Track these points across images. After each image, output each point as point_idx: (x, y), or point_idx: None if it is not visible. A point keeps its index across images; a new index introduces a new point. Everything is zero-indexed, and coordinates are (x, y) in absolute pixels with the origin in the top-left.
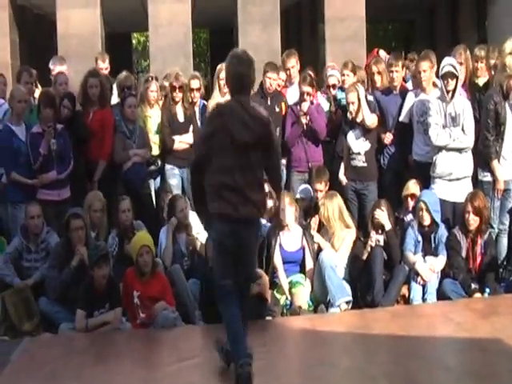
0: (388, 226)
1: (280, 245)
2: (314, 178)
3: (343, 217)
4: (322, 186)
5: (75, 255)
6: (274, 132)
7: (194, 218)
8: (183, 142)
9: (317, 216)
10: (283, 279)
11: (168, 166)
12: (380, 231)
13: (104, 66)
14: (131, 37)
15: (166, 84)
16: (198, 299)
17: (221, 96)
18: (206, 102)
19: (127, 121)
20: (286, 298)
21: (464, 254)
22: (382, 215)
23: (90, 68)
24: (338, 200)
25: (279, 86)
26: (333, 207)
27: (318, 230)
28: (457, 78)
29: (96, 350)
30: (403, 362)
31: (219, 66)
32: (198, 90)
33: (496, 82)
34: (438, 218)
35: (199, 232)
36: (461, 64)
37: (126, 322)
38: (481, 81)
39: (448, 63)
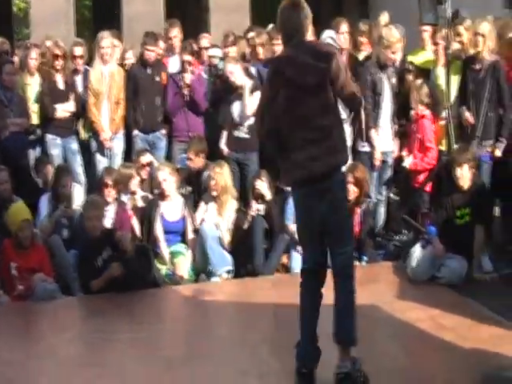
0: (268, 196)
1: (161, 215)
2: (188, 147)
3: (231, 186)
4: (193, 155)
5: None
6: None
7: (76, 190)
8: (65, 110)
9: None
10: (164, 249)
11: (49, 136)
12: (261, 201)
13: None
14: (11, 3)
15: (47, 51)
16: (77, 270)
17: (102, 64)
18: (88, 68)
19: (5, 88)
20: (168, 268)
21: None
22: (263, 185)
23: None
24: (228, 169)
25: (159, 55)
26: (225, 177)
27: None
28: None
29: None
30: (283, 330)
31: (100, 34)
32: (82, 57)
33: (374, 54)
34: None
35: (80, 204)
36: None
37: (3, 295)
38: (362, 55)
39: (328, 36)
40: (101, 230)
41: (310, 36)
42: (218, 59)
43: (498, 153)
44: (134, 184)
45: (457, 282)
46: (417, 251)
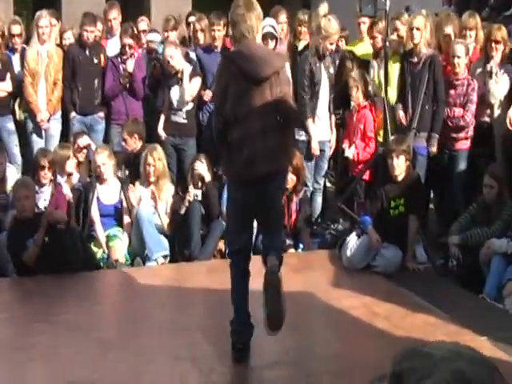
0: (208, 178)
1: (97, 198)
2: (122, 129)
3: (167, 171)
4: (127, 136)
5: None
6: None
7: (11, 171)
8: (1, 89)
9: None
10: (100, 232)
11: None
12: (200, 184)
13: None
14: None
15: None
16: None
17: (40, 44)
18: (26, 46)
19: None
20: (103, 252)
21: None
22: (202, 167)
23: None
24: (162, 153)
25: (97, 37)
26: (162, 162)
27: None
28: (276, 38)
29: None
30: (217, 315)
31: (38, 13)
32: (19, 35)
33: (312, 44)
34: None
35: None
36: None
37: None
38: (302, 44)
39: (268, 24)
40: (32, 211)
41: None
42: (157, 44)
43: (434, 149)
44: (71, 165)
45: (391, 271)
46: (352, 240)
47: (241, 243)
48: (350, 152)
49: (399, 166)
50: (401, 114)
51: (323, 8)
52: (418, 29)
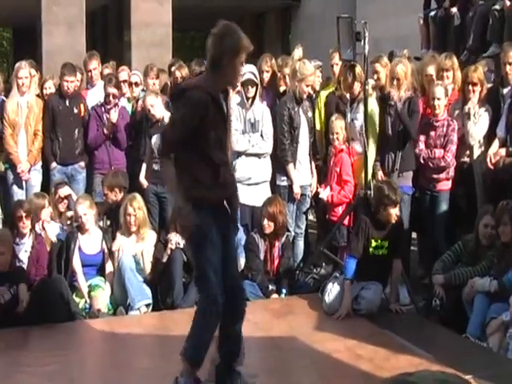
0: None
1: (79, 248)
2: (102, 183)
3: (147, 219)
4: (107, 191)
5: None
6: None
7: None
8: None
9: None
10: (82, 282)
11: None
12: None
13: None
14: None
15: None
16: None
17: (19, 95)
18: (4, 99)
19: None
20: (85, 302)
21: (262, 256)
22: None
23: None
24: (142, 201)
25: (76, 87)
26: (142, 210)
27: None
28: (257, 85)
29: None
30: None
31: (17, 65)
32: None
33: (289, 89)
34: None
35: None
36: (267, 72)
37: None
38: (282, 89)
39: (248, 71)
40: (6, 265)
41: (235, 66)
42: (138, 91)
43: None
44: (46, 214)
45: (375, 311)
46: (330, 285)
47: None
48: (324, 194)
49: (395, 214)
50: (379, 174)
51: (298, 52)
52: (398, 79)
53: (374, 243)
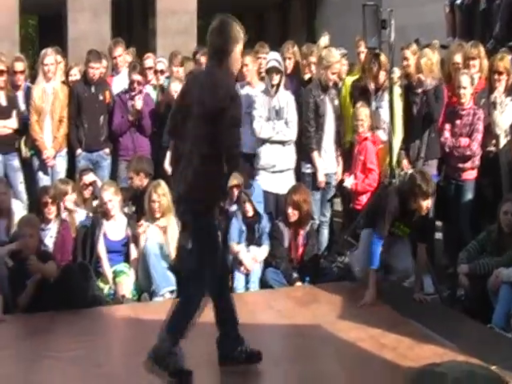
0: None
1: (104, 234)
2: (127, 167)
3: (171, 205)
4: (132, 174)
5: None
6: (231, 107)
7: (16, 205)
8: (7, 127)
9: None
10: (107, 268)
11: None
12: None
13: None
14: None
15: None
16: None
17: (45, 81)
18: (30, 85)
19: None
20: (110, 288)
21: (286, 244)
22: None
23: None
24: (166, 188)
25: (102, 74)
26: (166, 197)
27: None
28: (281, 72)
29: None
30: None
31: (43, 51)
32: (22, 72)
33: (315, 77)
34: (260, 209)
35: None
36: (289, 59)
37: None
38: (307, 77)
39: (273, 58)
40: (34, 249)
41: (237, 55)
42: (163, 78)
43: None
44: (69, 200)
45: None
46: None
47: None
48: (348, 182)
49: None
50: (404, 162)
51: (324, 40)
52: (425, 64)
53: (397, 224)
